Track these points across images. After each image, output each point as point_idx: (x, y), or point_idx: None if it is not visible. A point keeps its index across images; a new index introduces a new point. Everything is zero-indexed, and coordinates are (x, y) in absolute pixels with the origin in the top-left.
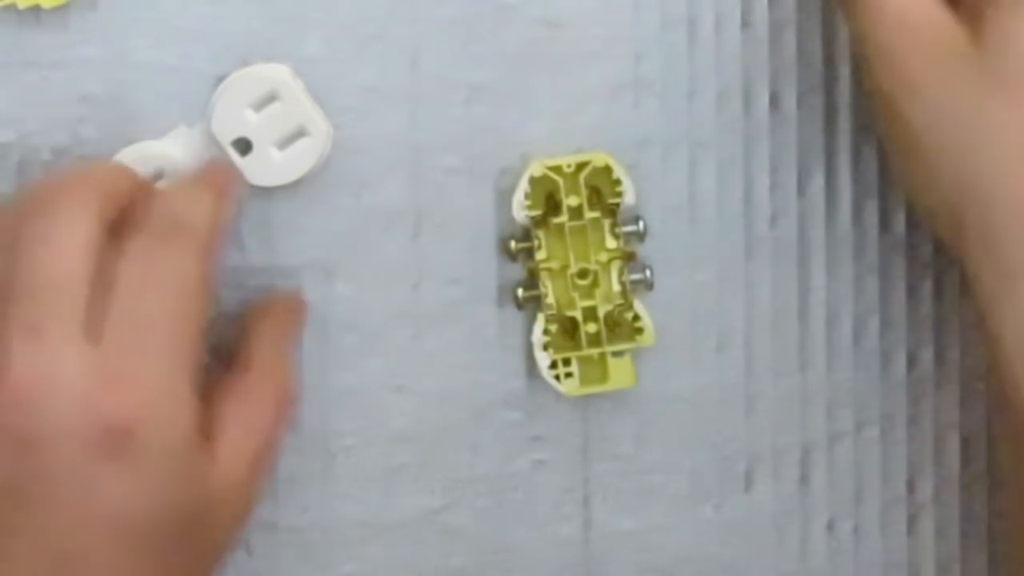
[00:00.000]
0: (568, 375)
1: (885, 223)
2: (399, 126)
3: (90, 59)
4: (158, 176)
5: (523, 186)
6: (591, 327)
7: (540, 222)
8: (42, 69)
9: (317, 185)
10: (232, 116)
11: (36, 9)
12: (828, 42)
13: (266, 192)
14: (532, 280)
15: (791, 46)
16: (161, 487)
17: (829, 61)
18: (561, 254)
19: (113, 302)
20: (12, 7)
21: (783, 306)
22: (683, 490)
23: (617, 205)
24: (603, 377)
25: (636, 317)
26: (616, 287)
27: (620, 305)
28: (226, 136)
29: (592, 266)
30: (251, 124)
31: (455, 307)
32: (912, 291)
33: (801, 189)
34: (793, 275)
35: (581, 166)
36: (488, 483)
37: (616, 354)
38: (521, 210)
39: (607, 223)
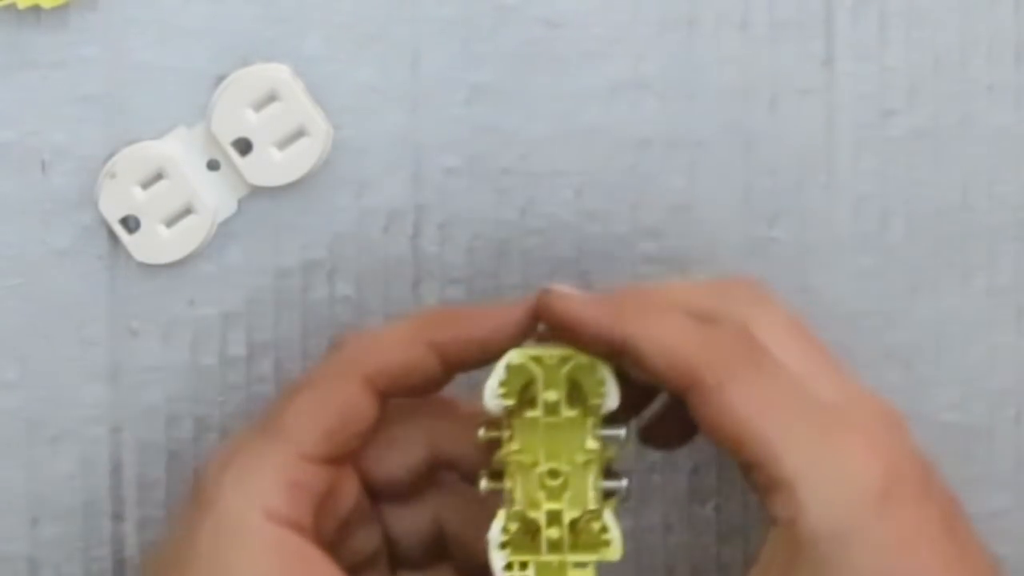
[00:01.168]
0: None
1: (885, 223)
2: (399, 126)
3: (90, 59)
4: (158, 176)
5: (499, 373)
6: (554, 532)
7: (514, 412)
8: (42, 69)
9: (317, 185)
10: (232, 116)
11: (36, 9)
12: (829, 42)
13: (266, 192)
14: (498, 472)
15: (791, 46)
16: None
17: (829, 61)
18: (533, 450)
19: None
20: (12, 7)
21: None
22: (683, 490)
23: (598, 406)
24: None
25: (604, 528)
26: (591, 493)
27: (590, 513)
28: (226, 136)
29: (564, 467)
30: (251, 124)
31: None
32: (913, 291)
33: (801, 189)
34: (793, 275)
35: (564, 360)
36: None
37: (579, 564)
38: (494, 398)
39: (589, 422)
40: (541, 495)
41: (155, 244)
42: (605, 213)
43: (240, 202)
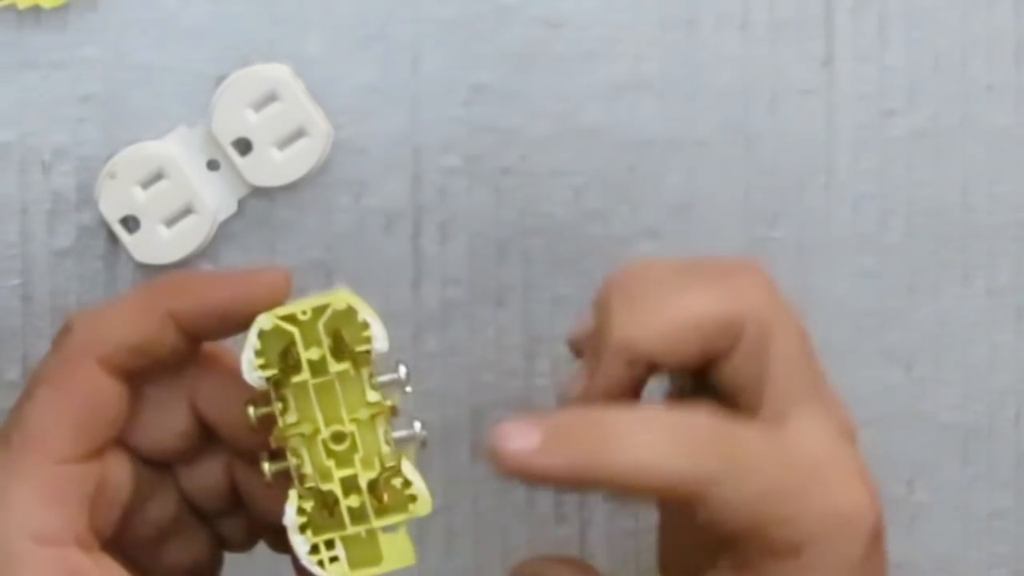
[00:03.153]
0: (333, 559)
1: (885, 223)
2: (399, 126)
3: (90, 59)
4: (158, 176)
5: (251, 342)
6: (353, 500)
7: (280, 382)
8: (42, 69)
9: (317, 185)
10: (232, 116)
11: (36, 9)
12: (829, 42)
13: (266, 192)
14: (280, 450)
15: (791, 46)
16: None
17: (830, 61)
18: (310, 417)
19: None
20: (12, 7)
21: None
22: None
23: (368, 352)
24: (376, 557)
25: (407, 483)
26: (384, 448)
27: (387, 470)
28: (226, 136)
29: (347, 427)
30: (251, 124)
31: (455, 307)
32: (912, 291)
33: (801, 189)
34: (793, 275)
35: (318, 311)
36: (488, 483)
37: (388, 528)
38: (253, 371)
39: (363, 373)
40: (331, 464)
41: (155, 244)
42: (605, 213)
43: (240, 202)
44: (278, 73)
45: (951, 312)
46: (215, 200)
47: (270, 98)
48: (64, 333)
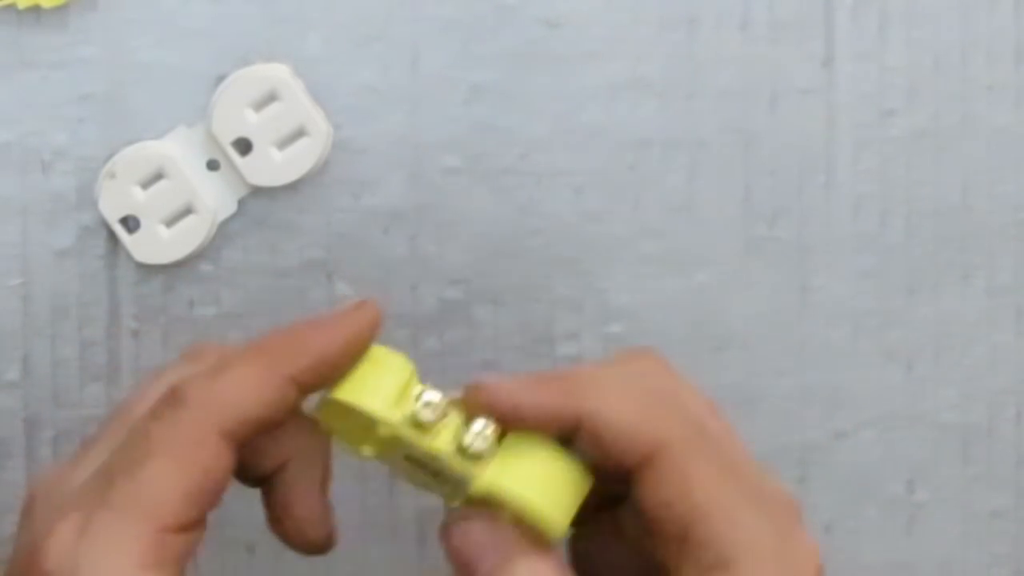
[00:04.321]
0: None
1: (885, 223)
2: (399, 126)
3: (90, 59)
4: (158, 176)
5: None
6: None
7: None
8: (42, 69)
9: (317, 185)
10: (232, 116)
11: (36, 9)
12: (829, 42)
13: (266, 192)
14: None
15: (791, 46)
16: None
17: (830, 61)
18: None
19: None
20: (12, 7)
21: (783, 306)
22: None
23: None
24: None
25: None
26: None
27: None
28: (226, 136)
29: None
30: (251, 124)
31: (454, 307)
32: (912, 291)
33: (801, 189)
34: (793, 275)
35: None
36: None
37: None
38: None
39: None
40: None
41: (155, 244)
42: (605, 213)
43: (240, 202)
44: (278, 73)
45: (951, 312)
46: (215, 200)
47: (270, 98)
48: (176, 405)
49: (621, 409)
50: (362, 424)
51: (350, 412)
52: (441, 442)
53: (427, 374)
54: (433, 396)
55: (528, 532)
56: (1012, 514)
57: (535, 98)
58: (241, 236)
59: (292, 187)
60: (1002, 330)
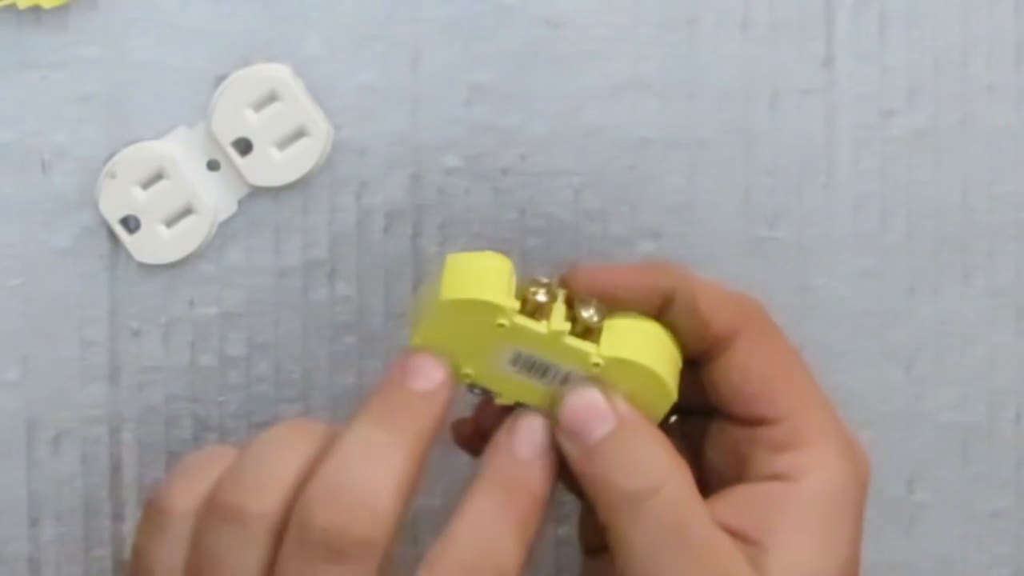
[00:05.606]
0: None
1: (885, 223)
2: (399, 126)
3: (90, 59)
4: (158, 176)
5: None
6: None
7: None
8: (42, 69)
9: (317, 185)
10: (232, 116)
11: (36, 9)
12: (829, 42)
13: (266, 192)
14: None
15: (791, 46)
16: None
17: (830, 61)
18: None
19: None
20: (12, 7)
21: (783, 306)
22: None
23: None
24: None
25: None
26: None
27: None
28: (226, 136)
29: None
30: (251, 124)
31: None
32: (912, 291)
33: (801, 189)
34: (793, 275)
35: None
36: None
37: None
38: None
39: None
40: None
41: (155, 244)
42: (605, 213)
43: (240, 202)
44: (278, 73)
45: (951, 312)
46: (215, 200)
47: (270, 98)
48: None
49: (712, 286)
50: (469, 332)
51: (459, 318)
52: (556, 323)
53: None
54: (541, 278)
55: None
56: (1012, 514)
57: (535, 98)
58: (241, 236)
59: (292, 187)
60: (1002, 330)
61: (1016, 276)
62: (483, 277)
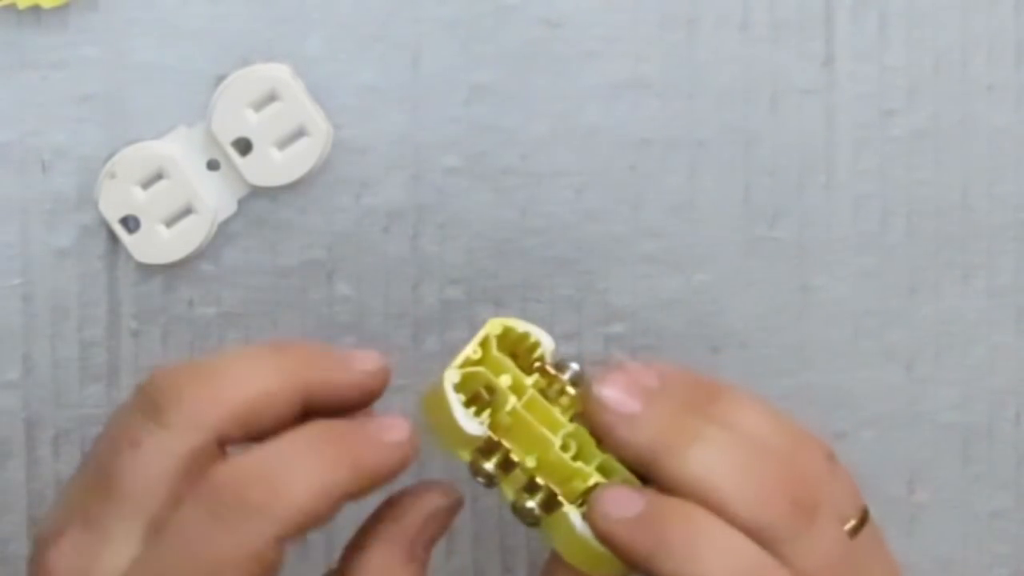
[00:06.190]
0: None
1: (885, 223)
2: (399, 126)
3: (90, 59)
4: (158, 176)
5: (455, 399)
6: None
7: (493, 423)
8: (42, 69)
9: (317, 185)
10: (232, 116)
11: (36, 9)
12: (829, 42)
13: (266, 192)
14: (534, 485)
15: (791, 46)
16: None
17: (830, 61)
18: (532, 439)
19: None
20: (12, 7)
21: (783, 306)
22: None
23: (542, 357)
24: None
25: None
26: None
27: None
28: (226, 136)
29: (570, 427)
30: (251, 124)
31: (455, 307)
32: (912, 291)
33: (801, 189)
34: (793, 275)
35: (485, 344)
36: None
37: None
38: (472, 421)
39: (553, 376)
40: (579, 464)
41: (155, 244)
42: (605, 213)
43: (240, 202)
44: (278, 73)
45: (951, 312)
46: (215, 200)
47: (270, 98)
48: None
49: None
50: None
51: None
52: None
53: (427, 374)
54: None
55: None
56: (1012, 514)
57: (535, 98)
58: (241, 236)
59: (292, 187)
60: (1002, 330)
61: (1016, 276)
62: (451, 425)
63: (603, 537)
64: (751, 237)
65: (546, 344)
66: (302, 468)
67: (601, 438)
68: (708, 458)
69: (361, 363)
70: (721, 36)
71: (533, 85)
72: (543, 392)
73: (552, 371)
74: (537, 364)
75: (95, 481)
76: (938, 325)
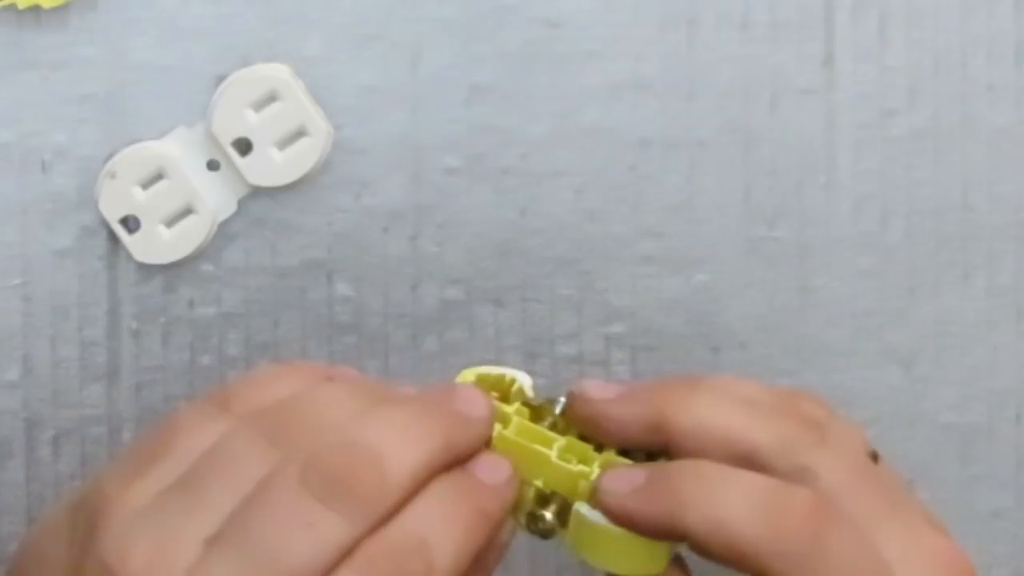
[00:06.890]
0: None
1: (885, 223)
2: (399, 126)
3: (90, 59)
4: (158, 176)
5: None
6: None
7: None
8: (42, 69)
9: (317, 185)
10: (232, 116)
11: (36, 9)
12: (829, 42)
13: (266, 192)
14: (543, 501)
15: (791, 46)
16: None
17: (830, 61)
18: (530, 461)
19: None
20: (12, 7)
21: (783, 306)
22: None
23: (522, 393)
24: None
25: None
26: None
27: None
28: (226, 136)
29: (562, 439)
30: (251, 124)
31: (454, 307)
32: (912, 291)
33: (801, 189)
34: (793, 275)
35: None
36: None
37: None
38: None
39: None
40: (579, 466)
41: (155, 244)
42: (605, 213)
43: (240, 202)
44: (278, 73)
45: (951, 312)
46: (215, 200)
47: (270, 98)
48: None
49: (722, 516)
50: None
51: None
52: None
53: (427, 374)
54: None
55: None
56: (1012, 514)
57: (535, 98)
58: (241, 236)
59: (292, 187)
60: (1002, 330)
61: (1016, 276)
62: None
63: (618, 516)
64: (751, 237)
65: (523, 380)
66: (448, 535)
67: (600, 431)
68: (713, 401)
69: (470, 408)
70: (721, 36)
71: (533, 85)
72: (531, 420)
73: (535, 403)
74: (519, 400)
75: (261, 550)
76: (938, 325)
